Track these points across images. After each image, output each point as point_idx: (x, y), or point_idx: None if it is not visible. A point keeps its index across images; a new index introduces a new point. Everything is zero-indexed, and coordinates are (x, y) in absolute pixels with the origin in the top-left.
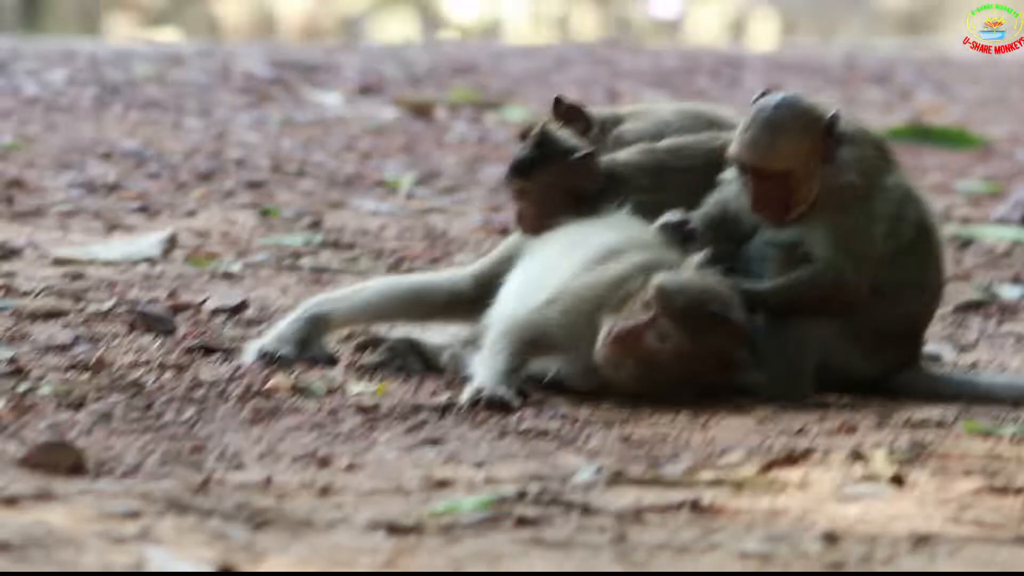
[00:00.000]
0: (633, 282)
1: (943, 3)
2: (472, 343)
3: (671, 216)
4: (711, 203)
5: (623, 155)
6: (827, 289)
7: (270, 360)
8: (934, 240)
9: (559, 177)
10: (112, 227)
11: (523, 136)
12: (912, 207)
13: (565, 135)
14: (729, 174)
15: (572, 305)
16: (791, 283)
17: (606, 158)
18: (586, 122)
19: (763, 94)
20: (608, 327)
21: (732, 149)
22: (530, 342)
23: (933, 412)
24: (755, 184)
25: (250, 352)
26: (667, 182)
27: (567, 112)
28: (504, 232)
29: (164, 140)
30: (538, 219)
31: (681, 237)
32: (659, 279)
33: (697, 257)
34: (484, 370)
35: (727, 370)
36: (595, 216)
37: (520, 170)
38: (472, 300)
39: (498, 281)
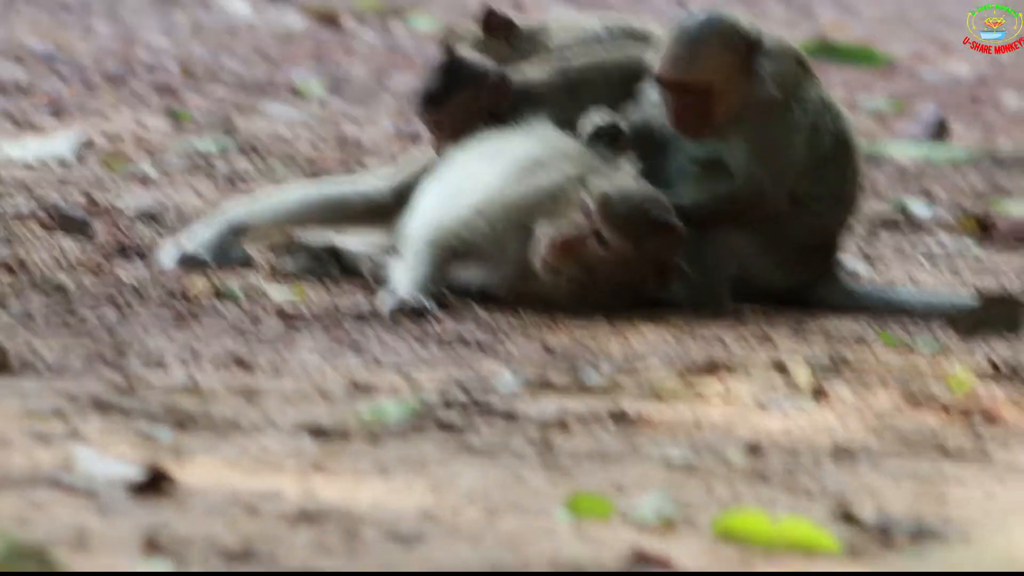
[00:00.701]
0: (570, 191)
1: None
2: (391, 250)
3: (600, 118)
4: (633, 116)
5: (536, 73)
6: (747, 203)
7: (189, 263)
8: (852, 151)
9: (472, 103)
10: (25, 128)
11: (445, 46)
12: (830, 118)
13: (474, 57)
14: (648, 89)
15: (502, 214)
16: (712, 197)
17: (519, 77)
18: (516, 35)
19: (688, 13)
20: (548, 234)
21: (654, 64)
22: (452, 250)
23: (850, 325)
24: (675, 99)
25: (168, 255)
26: (582, 100)
27: (498, 24)
28: (416, 140)
29: (74, 43)
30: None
31: (610, 139)
32: (600, 186)
33: (630, 166)
34: (404, 277)
35: (663, 276)
36: (512, 127)
37: (432, 102)
38: (390, 209)
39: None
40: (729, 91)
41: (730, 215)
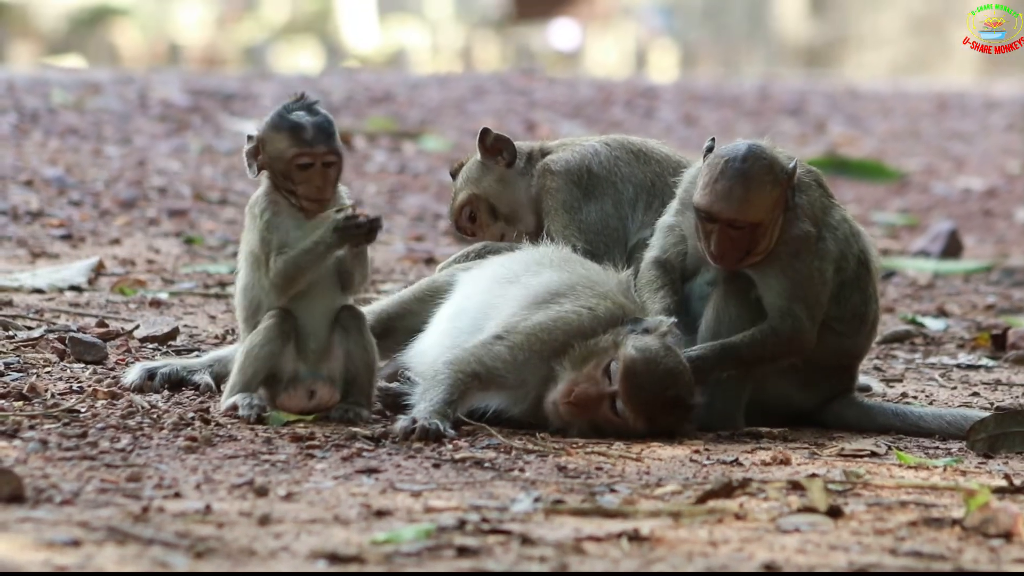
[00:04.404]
0: (599, 339)
1: (843, 37)
2: (399, 375)
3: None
4: (663, 271)
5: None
6: (786, 340)
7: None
8: (872, 272)
9: None
10: (37, 255)
11: (453, 175)
12: (855, 241)
13: None
14: (669, 220)
15: (524, 344)
16: (760, 336)
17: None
18: (512, 153)
19: (712, 142)
20: (567, 385)
21: (701, 199)
22: (473, 375)
23: (865, 443)
24: (723, 235)
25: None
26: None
27: (494, 143)
28: (429, 261)
29: (85, 168)
30: None
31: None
32: (628, 354)
33: (661, 323)
34: (423, 401)
35: (672, 435)
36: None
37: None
38: (377, 337)
39: (400, 322)
40: (773, 226)
41: (772, 354)
